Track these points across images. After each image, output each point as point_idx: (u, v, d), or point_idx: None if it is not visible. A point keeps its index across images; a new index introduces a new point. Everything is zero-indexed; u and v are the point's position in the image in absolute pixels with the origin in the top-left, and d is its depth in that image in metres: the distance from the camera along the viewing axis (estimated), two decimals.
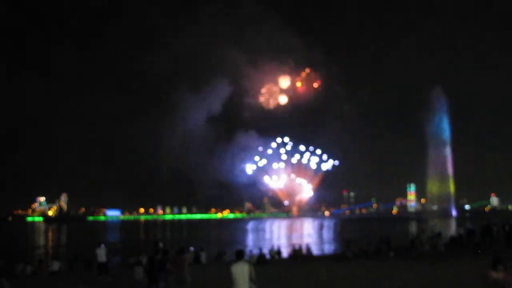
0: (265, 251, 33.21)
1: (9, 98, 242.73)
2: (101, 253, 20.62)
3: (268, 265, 25.40)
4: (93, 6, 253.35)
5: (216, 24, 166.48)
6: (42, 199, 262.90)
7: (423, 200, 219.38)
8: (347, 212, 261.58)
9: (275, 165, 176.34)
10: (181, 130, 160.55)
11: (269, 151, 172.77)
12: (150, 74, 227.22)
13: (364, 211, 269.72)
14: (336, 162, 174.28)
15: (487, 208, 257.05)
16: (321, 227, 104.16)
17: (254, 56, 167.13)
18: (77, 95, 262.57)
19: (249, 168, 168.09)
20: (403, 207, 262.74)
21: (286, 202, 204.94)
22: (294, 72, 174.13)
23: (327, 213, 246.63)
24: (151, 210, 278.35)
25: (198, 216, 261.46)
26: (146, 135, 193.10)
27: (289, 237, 69.37)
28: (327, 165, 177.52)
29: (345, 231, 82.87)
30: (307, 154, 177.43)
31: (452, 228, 65.39)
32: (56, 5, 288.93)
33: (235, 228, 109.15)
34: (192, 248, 30.31)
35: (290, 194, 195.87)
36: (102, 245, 21.08)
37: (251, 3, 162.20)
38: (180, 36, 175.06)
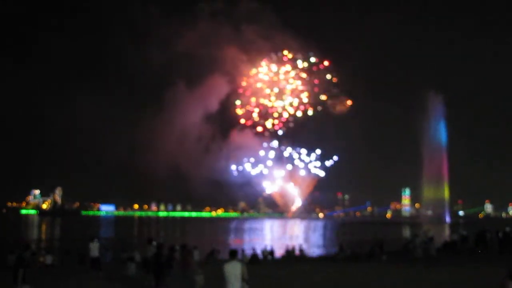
0: (258, 251, 33.22)
1: (4, 91, 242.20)
2: (94, 248, 20.57)
3: (260, 265, 25.42)
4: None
5: (215, 22, 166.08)
6: (37, 192, 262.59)
7: (417, 205, 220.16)
8: (341, 214, 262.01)
9: (270, 165, 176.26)
10: (177, 127, 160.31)
11: (263, 151, 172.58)
12: (148, 71, 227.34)
13: (358, 214, 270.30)
14: (332, 161, 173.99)
15: (481, 215, 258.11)
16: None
17: (253, 55, 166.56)
18: (73, 89, 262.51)
19: (240, 168, 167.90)
20: (398, 211, 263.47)
21: (280, 203, 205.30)
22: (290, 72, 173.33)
23: (321, 215, 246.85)
24: (146, 206, 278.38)
25: (192, 214, 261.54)
26: (142, 131, 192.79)
27: (283, 238, 69.32)
28: (323, 166, 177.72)
29: (340, 233, 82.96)
30: (303, 155, 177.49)
31: (446, 234, 65.48)
32: None
33: (225, 227, 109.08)
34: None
35: (284, 194, 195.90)
36: (96, 240, 21.01)
37: (251, 1, 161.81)
38: (179, 32, 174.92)
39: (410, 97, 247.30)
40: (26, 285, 13.22)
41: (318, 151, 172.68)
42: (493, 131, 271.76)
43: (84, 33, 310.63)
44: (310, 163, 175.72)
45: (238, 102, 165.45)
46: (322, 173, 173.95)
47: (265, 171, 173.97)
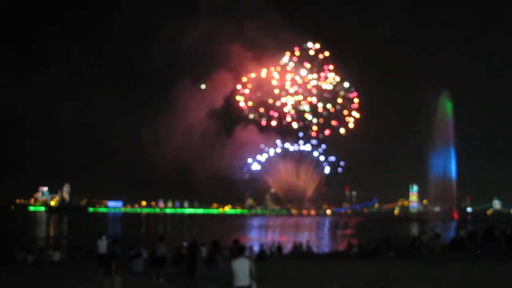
0: (266, 247, 33.24)
1: (12, 88, 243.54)
2: (102, 245, 20.61)
3: (268, 261, 25.40)
4: None
5: (220, 18, 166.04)
6: (45, 189, 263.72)
7: (425, 201, 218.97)
8: (349, 211, 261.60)
9: (277, 162, 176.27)
10: (183, 123, 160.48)
11: (272, 148, 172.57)
12: (153, 68, 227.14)
13: (365, 210, 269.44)
14: (342, 163, 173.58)
15: (489, 212, 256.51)
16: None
17: (258, 52, 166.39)
18: (80, 87, 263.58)
19: (246, 164, 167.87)
20: (405, 208, 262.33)
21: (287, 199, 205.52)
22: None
23: (328, 211, 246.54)
24: (153, 203, 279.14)
25: (199, 210, 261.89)
26: (149, 128, 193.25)
27: (290, 234, 69.32)
28: (331, 163, 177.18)
29: (345, 230, 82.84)
30: (309, 151, 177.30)
31: (453, 230, 65.17)
32: None
33: (232, 224, 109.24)
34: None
35: (291, 191, 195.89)
36: (103, 237, 21.06)
37: None
38: (184, 29, 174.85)
39: (418, 94, 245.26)
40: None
41: (326, 147, 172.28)
42: (501, 127, 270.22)
43: (88, 31, 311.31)
44: (318, 159, 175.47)
45: (242, 98, 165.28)
46: (330, 168, 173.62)
47: (272, 168, 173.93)
